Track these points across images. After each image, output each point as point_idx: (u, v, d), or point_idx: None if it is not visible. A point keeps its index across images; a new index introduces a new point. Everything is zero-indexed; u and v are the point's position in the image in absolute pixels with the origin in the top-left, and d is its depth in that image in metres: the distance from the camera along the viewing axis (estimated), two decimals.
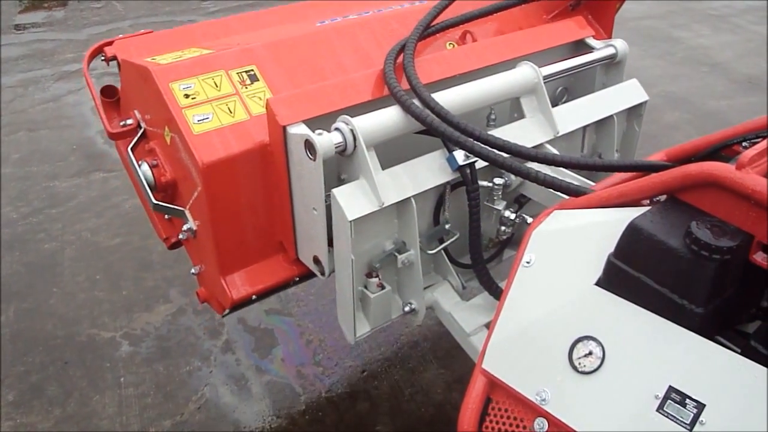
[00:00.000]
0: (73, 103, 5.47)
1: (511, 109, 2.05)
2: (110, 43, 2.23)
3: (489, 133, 1.64)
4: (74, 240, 3.83)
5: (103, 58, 2.22)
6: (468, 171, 1.74)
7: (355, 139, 1.65)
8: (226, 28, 2.37)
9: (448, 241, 1.89)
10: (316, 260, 1.85)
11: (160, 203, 1.99)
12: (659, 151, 1.67)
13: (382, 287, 1.79)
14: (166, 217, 2.22)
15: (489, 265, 1.97)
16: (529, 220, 1.83)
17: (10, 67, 6.27)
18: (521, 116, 1.99)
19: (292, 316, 3.24)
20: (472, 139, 1.62)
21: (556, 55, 2.22)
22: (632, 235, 1.14)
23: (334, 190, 1.64)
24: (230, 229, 1.89)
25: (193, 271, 2.14)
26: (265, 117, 1.78)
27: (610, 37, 2.47)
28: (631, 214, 1.19)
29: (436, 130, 1.65)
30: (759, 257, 1.10)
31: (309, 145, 1.63)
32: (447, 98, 1.79)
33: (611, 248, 1.18)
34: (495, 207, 1.88)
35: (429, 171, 1.76)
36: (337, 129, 1.66)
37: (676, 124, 5.13)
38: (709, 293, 1.07)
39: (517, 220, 1.88)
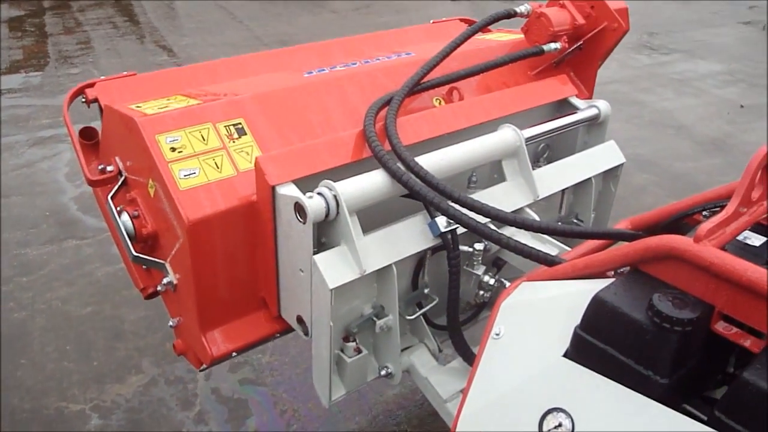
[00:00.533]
0: (47, 169, 5.46)
1: (492, 169, 2.08)
2: (91, 85, 2.19)
3: (469, 196, 1.66)
4: (45, 309, 3.78)
5: (83, 100, 2.18)
6: (449, 237, 1.76)
7: (338, 204, 1.64)
8: (211, 72, 2.35)
9: (427, 307, 1.90)
10: (300, 320, 1.84)
11: (141, 255, 1.95)
12: (624, 219, 1.71)
13: (359, 351, 1.79)
14: (145, 267, 2.18)
15: (465, 326, 1.99)
16: (507, 284, 1.85)
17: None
18: (502, 178, 2.01)
19: (266, 386, 3.20)
20: (452, 203, 1.64)
21: (541, 114, 2.28)
22: (597, 307, 1.16)
23: (316, 257, 1.64)
24: (212, 286, 1.86)
25: (171, 323, 2.10)
26: (252, 173, 1.77)
27: (591, 94, 2.56)
28: (596, 286, 1.22)
29: (416, 192, 1.66)
30: (720, 327, 1.13)
31: (299, 208, 1.63)
32: (430, 161, 1.81)
33: (577, 320, 1.20)
34: (474, 272, 1.90)
35: (410, 236, 1.77)
36: (319, 194, 1.65)
37: (644, 186, 5.24)
38: (672, 364, 1.09)
39: (496, 284, 1.90)
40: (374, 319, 1.76)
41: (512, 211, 1.94)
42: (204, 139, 1.85)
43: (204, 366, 1.98)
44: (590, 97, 2.54)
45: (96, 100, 2.15)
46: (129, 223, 1.95)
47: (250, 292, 1.95)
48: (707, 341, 1.14)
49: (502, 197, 1.95)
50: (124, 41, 8.72)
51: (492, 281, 1.89)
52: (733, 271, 1.06)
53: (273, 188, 1.71)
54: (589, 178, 2.17)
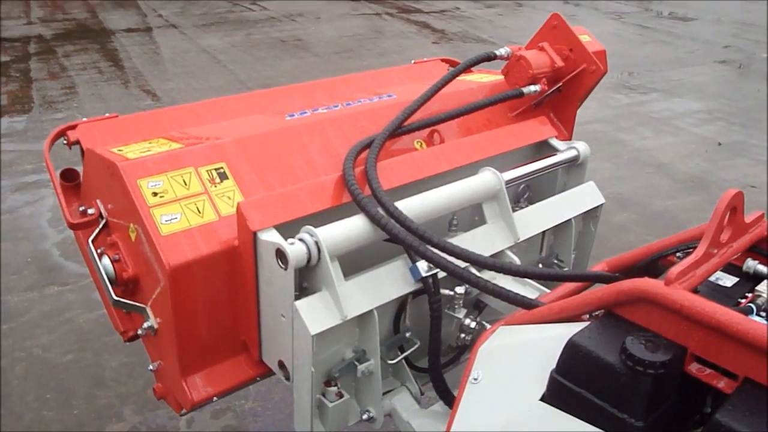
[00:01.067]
0: (30, 215, 5.44)
1: (472, 212, 2.10)
2: (73, 127, 2.19)
3: (449, 241, 1.67)
4: (24, 357, 3.73)
5: (65, 142, 2.17)
6: (430, 281, 1.77)
7: (319, 250, 1.65)
8: (193, 114, 2.36)
9: (409, 351, 1.90)
10: (281, 364, 1.83)
11: (121, 300, 1.94)
12: (602, 261, 1.74)
13: (341, 396, 1.78)
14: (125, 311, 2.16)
15: (447, 369, 1.98)
16: (488, 327, 1.85)
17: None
18: (483, 220, 2.03)
19: None
20: (431, 248, 1.65)
21: (521, 155, 2.31)
22: (571, 351, 1.17)
23: (297, 303, 1.64)
24: (193, 331, 1.85)
25: (150, 367, 2.08)
26: (234, 218, 1.77)
27: (571, 134, 2.60)
28: (571, 329, 1.23)
29: (395, 237, 1.67)
30: (694, 368, 1.14)
31: (281, 254, 1.63)
32: (411, 205, 1.83)
33: (554, 364, 1.21)
34: (456, 315, 1.90)
35: (392, 281, 1.77)
36: (301, 240, 1.66)
37: (625, 224, 5.30)
38: (647, 406, 1.10)
39: (477, 327, 1.91)
40: (356, 363, 1.76)
41: (493, 254, 1.96)
42: (186, 184, 1.85)
43: (184, 411, 1.96)
44: (570, 138, 2.58)
45: (78, 142, 2.15)
46: (110, 267, 1.94)
47: (231, 336, 1.94)
48: (682, 383, 1.16)
49: (483, 240, 1.96)
50: (108, 86, 8.76)
51: (473, 324, 1.89)
52: (703, 313, 1.07)
53: (254, 234, 1.71)
54: (569, 219, 2.20)
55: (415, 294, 1.82)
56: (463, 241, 1.92)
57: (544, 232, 2.17)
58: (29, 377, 3.56)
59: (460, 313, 1.89)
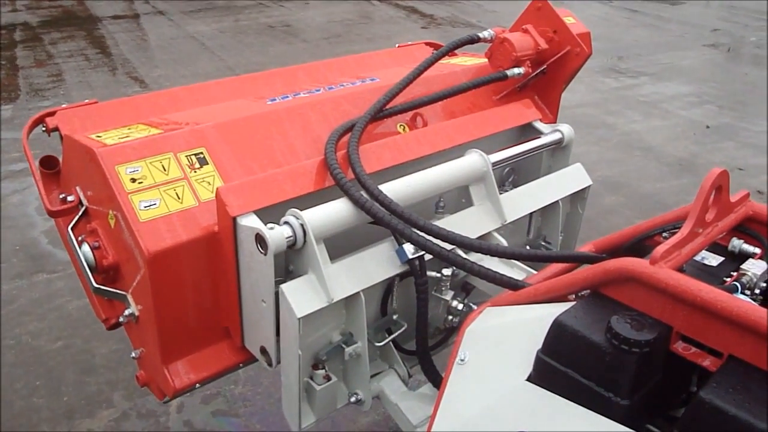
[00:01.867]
0: (17, 203, 5.40)
1: (459, 194, 2.09)
2: (52, 114, 2.16)
3: (434, 223, 1.67)
4: (13, 345, 3.71)
5: (44, 128, 2.15)
6: (417, 263, 1.77)
7: (305, 233, 1.64)
8: (174, 99, 2.33)
9: (396, 333, 1.89)
10: (264, 351, 1.83)
11: (102, 287, 1.93)
12: (589, 242, 1.74)
13: (329, 379, 1.78)
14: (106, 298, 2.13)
15: (435, 351, 1.99)
16: (476, 308, 1.86)
17: None
18: (469, 203, 2.03)
19: (239, 417, 3.16)
20: (416, 231, 1.65)
21: (505, 138, 2.30)
22: (557, 331, 1.18)
23: (283, 286, 1.64)
24: (174, 318, 1.84)
25: (133, 354, 2.06)
26: (214, 203, 1.76)
27: (556, 117, 2.60)
28: (557, 309, 1.23)
29: (380, 220, 1.67)
30: (679, 347, 1.15)
31: (260, 239, 1.62)
32: (396, 188, 1.82)
33: (540, 344, 1.21)
34: (443, 297, 1.90)
35: (378, 263, 1.77)
36: (286, 222, 1.66)
37: (613, 207, 5.31)
38: (632, 385, 1.11)
39: (464, 309, 1.91)
40: (343, 346, 1.76)
41: (480, 236, 1.96)
42: (165, 170, 1.83)
43: (167, 398, 1.95)
44: (554, 121, 2.58)
45: (56, 129, 2.12)
46: (90, 254, 1.92)
47: (213, 323, 1.93)
48: (668, 361, 1.16)
49: (470, 222, 1.96)
50: (96, 73, 8.69)
51: (460, 306, 1.89)
52: (688, 291, 1.08)
53: (234, 219, 1.70)
54: (557, 201, 2.20)
55: (402, 276, 1.82)
56: (449, 223, 1.92)
57: (531, 214, 2.17)
58: (18, 365, 3.55)
59: (448, 295, 1.89)
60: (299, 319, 1.60)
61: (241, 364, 1.98)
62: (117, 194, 1.74)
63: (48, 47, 9.91)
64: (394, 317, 1.88)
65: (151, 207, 1.75)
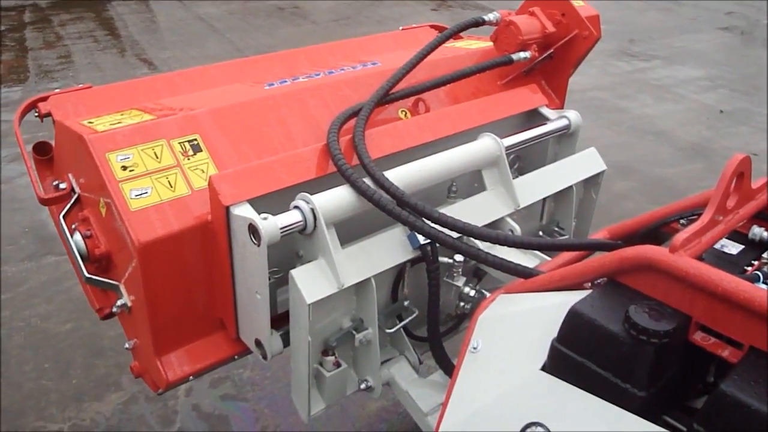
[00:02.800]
0: (26, 185, 5.39)
1: (471, 178, 2.06)
2: (45, 99, 2.10)
3: (445, 209, 1.64)
4: (23, 327, 3.72)
5: (36, 114, 2.09)
6: (429, 249, 1.74)
7: (315, 218, 1.61)
8: (170, 84, 2.28)
9: (407, 319, 1.87)
10: (258, 343, 1.79)
11: (93, 277, 1.88)
12: (603, 228, 1.71)
13: (338, 365, 1.76)
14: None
15: (446, 337, 1.97)
16: (488, 295, 1.83)
17: None
18: (482, 187, 2.00)
19: (248, 401, 3.16)
20: (424, 220, 1.61)
21: (510, 125, 2.25)
22: (573, 320, 1.15)
23: (293, 272, 1.61)
24: (167, 309, 1.80)
25: (126, 345, 2.02)
26: (207, 191, 1.71)
27: (563, 102, 2.54)
28: (572, 298, 1.20)
29: (388, 211, 1.63)
30: (698, 337, 1.12)
31: (253, 230, 1.57)
32: (408, 172, 1.79)
33: (555, 333, 1.19)
34: (455, 283, 1.88)
35: (389, 249, 1.74)
36: (296, 207, 1.62)
37: (625, 192, 5.26)
38: (650, 376, 1.08)
39: (476, 296, 1.88)
40: (353, 332, 1.74)
41: (493, 221, 1.93)
42: (157, 157, 1.78)
43: (161, 390, 1.91)
44: (562, 106, 2.52)
45: (49, 114, 2.07)
46: (81, 243, 1.87)
47: (207, 314, 1.89)
48: (686, 352, 1.13)
49: (483, 207, 1.94)
50: (104, 55, 8.67)
51: (472, 292, 1.87)
52: (709, 280, 1.05)
53: (227, 208, 1.65)
54: (570, 187, 2.16)
55: (413, 262, 1.79)
56: (462, 208, 1.89)
57: (544, 199, 2.14)
58: (28, 347, 3.55)
59: (459, 281, 1.86)
60: (309, 305, 1.58)
61: (236, 356, 1.95)
62: (107, 182, 1.69)
63: (57, 29, 9.90)
64: (405, 303, 1.86)
65: (143, 196, 1.71)
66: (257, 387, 3.24)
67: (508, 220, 1.96)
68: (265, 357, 1.79)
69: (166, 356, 1.85)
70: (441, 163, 1.87)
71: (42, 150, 2.16)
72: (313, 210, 1.61)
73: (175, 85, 2.28)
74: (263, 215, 1.58)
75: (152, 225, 1.69)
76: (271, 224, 1.56)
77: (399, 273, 1.82)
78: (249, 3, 11.46)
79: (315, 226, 1.62)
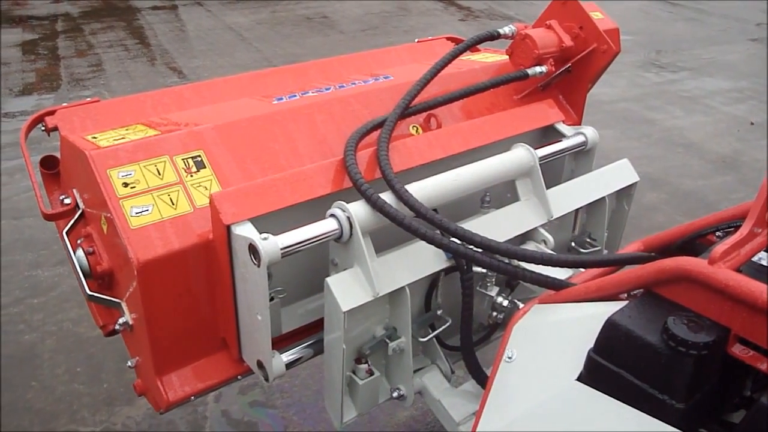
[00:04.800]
0: None
1: (504, 188, 2.05)
2: (52, 113, 2.08)
3: (478, 222, 1.61)
4: (55, 331, 3.78)
5: (43, 128, 2.07)
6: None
7: (351, 226, 1.61)
8: (178, 97, 2.25)
9: (440, 329, 1.88)
10: (260, 365, 1.76)
11: (95, 294, 1.85)
12: (637, 240, 1.70)
13: (371, 373, 1.77)
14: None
15: (477, 347, 1.97)
16: (521, 305, 1.83)
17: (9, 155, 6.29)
18: (515, 197, 2.00)
19: (277, 408, 3.18)
20: (450, 238, 1.59)
21: (525, 141, 2.17)
22: (611, 330, 1.15)
23: (328, 279, 1.62)
24: (167, 328, 1.76)
25: (129, 363, 1.98)
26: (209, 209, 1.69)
27: (581, 117, 2.50)
28: (609, 308, 1.21)
29: (414, 232, 1.58)
30: (737, 350, 1.12)
31: (253, 250, 1.54)
32: (443, 182, 1.79)
33: (591, 343, 1.19)
34: (488, 293, 1.88)
35: (424, 257, 1.73)
36: (332, 215, 1.63)
37: (655, 204, 5.22)
38: (689, 388, 1.08)
39: (509, 306, 1.89)
40: (387, 341, 1.74)
41: (526, 231, 1.94)
42: (159, 174, 1.75)
43: (161, 410, 1.86)
44: (579, 122, 2.48)
45: (56, 128, 2.05)
46: (84, 260, 1.84)
47: (209, 333, 1.86)
48: (723, 364, 1.13)
49: (516, 217, 1.94)
50: (135, 63, 8.80)
51: (505, 302, 1.87)
52: (749, 293, 1.04)
53: (228, 227, 1.62)
54: (603, 198, 2.15)
55: (447, 271, 1.80)
56: (495, 218, 1.90)
57: (577, 210, 2.14)
58: (60, 351, 3.61)
59: (493, 291, 1.87)
60: (344, 312, 1.58)
61: (239, 376, 1.92)
62: (108, 199, 1.67)
63: (88, 37, 10.06)
64: (438, 312, 1.86)
65: (143, 213, 1.68)
66: (286, 394, 3.25)
67: (542, 230, 1.96)
68: (267, 379, 1.76)
69: (167, 376, 1.82)
70: (476, 172, 1.88)
71: (49, 164, 2.14)
72: (349, 218, 1.62)
73: (183, 99, 2.25)
74: (264, 235, 1.55)
75: (152, 243, 1.65)
76: (271, 244, 1.53)
77: (432, 282, 1.83)
78: (277, 13, 11.56)
79: (351, 234, 1.63)
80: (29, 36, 10.14)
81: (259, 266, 1.54)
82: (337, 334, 1.63)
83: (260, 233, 1.56)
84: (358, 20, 11.22)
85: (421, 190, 1.75)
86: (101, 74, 8.36)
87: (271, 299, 1.69)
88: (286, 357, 1.80)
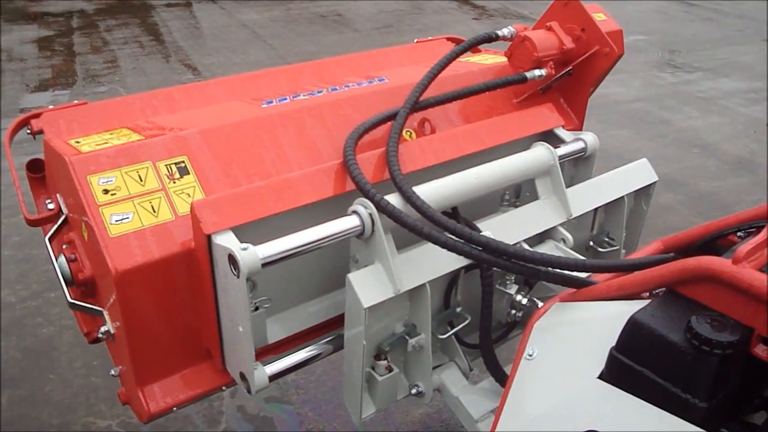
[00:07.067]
0: None
1: (524, 187, 2.06)
2: (38, 115, 2.02)
3: (486, 236, 1.57)
4: (72, 324, 3.77)
5: (28, 131, 2.01)
6: None
7: (373, 223, 1.62)
8: (168, 100, 2.19)
9: (459, 326, 1.88)
10: (243, 377, 1.71)
11: (76, 302, 1.80)
12: (657, 240, 1.70)
13: (390, 370, 1.78)
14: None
15: (496, 345, 1.97)
16: (540, 303, 1.84)
17: (13, 150, 6.33)
18: (534, 196, 2.00)
19: (292, 404, 3.20)
20: (463, 242, 1.56)
21: (523, 147, 2.11)
22: (633, 329, 1.15)
23: (350, 276, 1.63)
24: (149, 339, 1.71)
25: (113, 372, 1.93)
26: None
27: (582, 122, 2.45)
28: (631, 307, 1.21)
29: (425, 236, 1.56)
30: (760, 350, 1.12)
31: (233, 260, 1.48)
32: (464, 180, 1.79)
33: (612, 342, 1.19)
34: (507, 291, 1.88)
35: (444, 255, 1.68)
36: (354, 212, 1.64)
37: (670, 205, 5.21)
38: (712, 387, 1.08)
39: (528, 304, 1.89)
40: (406, 337, 1.75)
41: (545, 230, 1.95)
42: (141, 180, 1.70)
43: (144, 421, 1.80)
44: (580, 126, 2.44)
45: (42, 132, 1.99)
46: (65, 267, 1.79)
47: (193, 343, 1.81)
48: (747, 364, 1.13)
49: (536, 215, 1.95)
50: (150, 60, 8.84)
51: (524, 300, 1.88)
52: None
53: (209, 237, 1.57)
54: (622, 197, 2.15)
55: (467, 268, 1.80)
56: (515, 216, 1.91)
57: (596, 209, 2.14)
58: (77, 344, 3.63)
59: (512, 289, 1.87)
60: (365, 309, 1.59)
61: (224, 387, 1.86)
62: (87, 206, 1.62)
63: (103, 34, 10.11)
64: (458, 310, 1.87)
65: (123, 221, 1.64)
66: (302, 390, 3.27)
67: (561, 229, 1.97)
68: (249, 391, 1.71)
69: (148, 386, 1.76)
70: (496, 171, 1.88)
71: (35, 167, 2.10)
72: (371, 215, 1.62)
73: (173, 102, 2.20)
74: (244, 245, 1.50)
75: (131, 252, 1.61)
76: (250, 255, 1.48)
77: (452, 279, 1.84)
78: (291, 11, 11.58)
79: (373, 231, 1.64)
80: (45, 32, 10.21)
81: (238, 277, 1.49)
82: (358, 330, 1.64)
83: (242, 243, 1.51)
84: (372, 18, 11.22)
85: (442, 188, 1.76)
86: (116, 70, 8.41)
87: (256, 309, 1.68)
88: (270, 369, 1.72)
